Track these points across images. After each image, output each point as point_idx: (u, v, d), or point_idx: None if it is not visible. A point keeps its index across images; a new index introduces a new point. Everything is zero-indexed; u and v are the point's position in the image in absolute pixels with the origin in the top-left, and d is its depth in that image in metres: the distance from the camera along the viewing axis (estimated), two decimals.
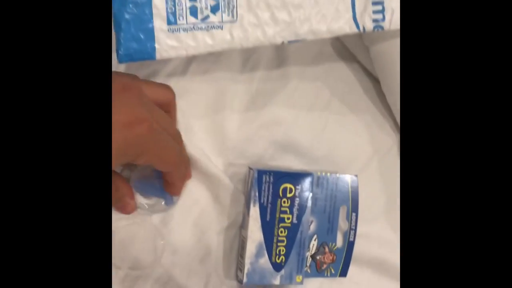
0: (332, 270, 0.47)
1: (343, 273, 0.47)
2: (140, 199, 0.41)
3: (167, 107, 0.39)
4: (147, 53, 0.37)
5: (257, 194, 0.43)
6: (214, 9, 0.38)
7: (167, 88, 0.40)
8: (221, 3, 0.38)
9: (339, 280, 0.47)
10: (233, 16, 0.38)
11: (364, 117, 0.49)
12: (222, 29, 0.38)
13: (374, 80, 0.50)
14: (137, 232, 0.41)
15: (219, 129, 0.44)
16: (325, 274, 0.46)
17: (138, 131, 0.31)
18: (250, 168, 0.44)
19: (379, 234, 0.49)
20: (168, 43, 0.37)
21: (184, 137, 0.41)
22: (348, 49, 0.49)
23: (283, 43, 0.40)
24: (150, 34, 0.37)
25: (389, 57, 0.44)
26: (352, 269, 0.47)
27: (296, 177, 0.44)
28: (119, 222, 0.40)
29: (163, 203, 0.41)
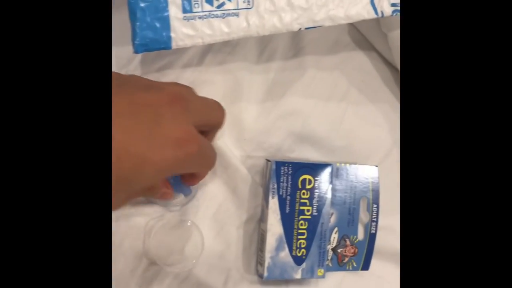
0: (354, 264, 0.46)
1: (366, 266, 0.46)
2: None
3: (214, 128, 0.37)
4: (163, 42, 0.36)
5: (275, 186, 0.42)
6: None
7: (220, 109, 0.36)
8: None
9: (362, 273, 0.46)
10: (249, 2, 0.37)
11: (383, 107, 0.48)
12: (238, 16, 0.37)
13: (392, 69, 0.48)
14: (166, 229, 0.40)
15: (236, 120, 0.43)
16: (347, 268, 0.45)
17: (189, 150, 0.29)
18: (267, 160, 0.43)
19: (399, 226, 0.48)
20: (184, 32, 0.36)
21: None
22: (365, 38, 0.48)
23: (300, 29, 0.39)
24: (165, 22, 0.36)
25: None
26: (374, 262, 0.46)
27: (315, 168, 0.43)
28: (139, 218, 0.40)
29: (182, 196, 0.40)
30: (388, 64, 0.48)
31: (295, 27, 0.39)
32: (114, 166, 0.25)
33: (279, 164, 0.42)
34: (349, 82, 0.47)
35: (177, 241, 0.41)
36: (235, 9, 0.37)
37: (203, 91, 0.42)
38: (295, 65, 0.45)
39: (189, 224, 0.41)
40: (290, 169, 0.42)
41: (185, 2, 0.36)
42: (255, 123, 0.44)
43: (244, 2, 0.37)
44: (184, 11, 0.36)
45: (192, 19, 0.36)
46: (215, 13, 0.37)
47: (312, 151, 0.46)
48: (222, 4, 0.37)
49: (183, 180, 0.38)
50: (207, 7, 0.36)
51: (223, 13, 0.37)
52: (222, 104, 0.38)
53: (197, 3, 0.36)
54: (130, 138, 0.26)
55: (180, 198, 0.40)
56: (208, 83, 0.43)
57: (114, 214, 0.39)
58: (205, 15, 0.36)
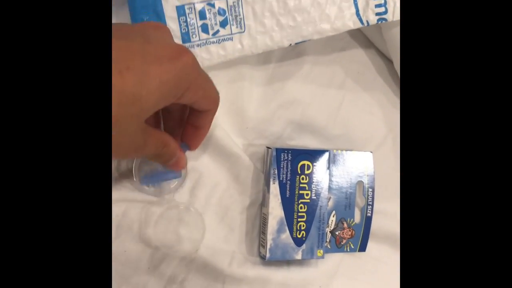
0: (352, 245, 0.48)
1: (362, 248, 0.48)
2: (151, 189, 0.42)
3: (209, 104, 0.36)
4: None
5: (276, 171, 0.44)
6: (223, 23, 0.40)
7: (216, 95, 0.37)
8: (229, 18, 0.40)
9: (359, 255, 0.49)
10: (241, 27, 0.40)
11: (378, 96, 0.50)
12: (232, 40, 0.41)
13: (387, 60, 0.51)
14: (164, 215, 0.42)
15: (239, 110, 0.45)
16: (345, 249, 0.48)
17: (184, 60, 0.30)
18: (268, 148, 0.45)
19: (396, 211, 0.50)
20: (199, 55, 0.40)
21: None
22: (361, 31, 0.50)
23: (290, 45, 0.42)
24: None
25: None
26: (371, 244, 0.48)
27: (313, 154, 0.45)
28: (151, 208, 0.42)
29: (174, 183, 0.43)
30: (383, 56, 0.51)
31: (286, 44, 0.42)
32: (117, 82, 0.26)
33: (279, 151, 0.44)
34: (346, 73, 0.49)
35: (179, 228, 0.43)
36: (229, 35, 0.40)
37: None
38: (294, 57, 0.48)
39: (192, 210, 0.43)
40: (289, 156, 0.44)
41: (184, 34, 0.40)
42: (256, 112, 0.46)
43: (236, 27, 0.40)
44: (184, 41, 0.40)
45: (191, 47, 0.40)
46: (211, 40, 0.40)
47: (311, 139, 0.48)
48: (217, 31, 0.40)
49: (186, 138, 0.39)
50: (204, 35, 0.40)
51: (219, 39, 0.40)
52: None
53: (194, 34, 0.40)
54: (126, 56, 0.27)
55: (173, 184, 0.43)
56: (211, 75, 0.45)
57: (120, 194, 0.41)
58: (203, 42, 0.40)
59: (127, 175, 0.42)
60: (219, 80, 0.45)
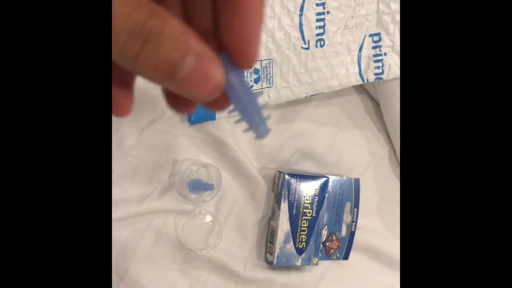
0: (338, 254, 0.58)
1: (346, 257, 0.59)
2: (193, 196, 0.51)
3: None
4: (210, 117, 0.50)
5: (286, 193, 0.53)
6: (256, 80, 0.50)
7: None
8: (261, 76, 0.50)
9: (342, 262, 0.59)
10: (269, 83, 0.50)
11: (365, 132, 0.61)
12: (262, 93, 0.50)
13: (375, 103, 0.61)
14: (195, 223, 0.51)
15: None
16: (332, 258, 0.58)
17: None
18: (280, 172, 0.54)
19: (372, 226, 0.61)
20: None
21: (232, 144, 0.52)
22: None
23: (306, 96, 0.52)
24: None
25: (390, 88, 0.56)
26: (351, 254, 0.59)
27: (316, 179, 0.55)
28: (181, 217, 0.50)
29: (209, 194, 0.51)
30: (372, 99, 0.61)
31: (303, 96, 0.52)
32: None
33: (290, 176, 0.53)
34: (341, 112, 0.59)
35: (202, 231, 0.51)
36: (260, 89, 0.50)
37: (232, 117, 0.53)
38: (301, 100, 0.57)
39: (210, 219, 0.52)
40: (298, 180, 0.54)
41: None
42: (271, 141, 0.55)
43: (266, 83, 0.50)
44: None
45: None
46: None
47: (311, 165, 0.58)
48: (251, 87, 0.50)
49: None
50: None
51: None
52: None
53: None
54: None
55: (204, 194, 0.51)
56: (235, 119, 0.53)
57: (162, 205, 0.49)
58: None
59: (169, 188, 0.49)
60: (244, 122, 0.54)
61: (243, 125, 0.23)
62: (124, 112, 0.22)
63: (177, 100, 0.23)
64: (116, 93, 0.22)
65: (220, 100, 0.21)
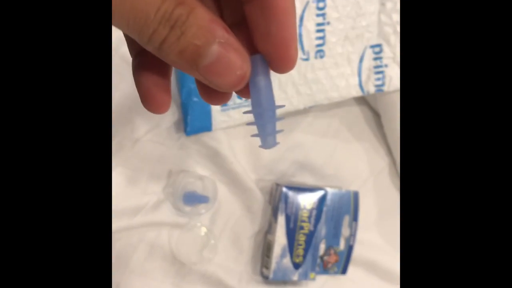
0: (335, 269, 0.57)
1: (344, 271, 0.57)
2: (187, 208, 0.49)
3: None
4: (206, 128, 0.49)
5: (284, 206, 0.52)
6: None
7: None
8: None
9: (339, 277, 0.58)
10: None
11: (364, 144, 0.60)
12: (284, 106, 0.49)
13: (374, 114, 0.60)
14: (189, 236, 0.49)
15: (255, 149, 0.53)
16: (330, 272, 0.57)
17: None
18: (277, 184, 0.53)
19: (371, 240, 0.60)
20: (221, 119, 0.49)
21: (229, 155, 0.50)
22: None
23: (304, 108, 0.50)
24: (208, 114, 0.48)
25: (391, 100, 0.55)
26: (349, 268, 0.58)
27: (314, 192, 0.54)
28: (175, 230, 0.49)
29: (205, 207, 0.50)
30: (372, 110, 0.60)
31: (301, 107, 0.51)
32: None
33: (288, 189, 0.52)
34: (340, 124, 0.58)
35: (196, 245, 0.50)
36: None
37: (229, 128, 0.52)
38: (300, 111, 0.56)
39: (204, 232, 0.51)
40: (295, 193, 0.52)
41: None
42: (269, 152, 0.54)
43: None
44: (222, 105, 0.47)
45: (227, 110, 0.48)
46: (244, 104, 0.49)
47: (309, 177, 0.57)
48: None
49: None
50: (238, 101, 0.49)
51: (250, 103, 0.48)
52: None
53: (231, 99, 0.47)
54: None
55: (200, 207, 0.50)
56: (235, 131, 0.52)
57: (156, 218, 0.48)
58: (237, 106, 0.49)
59: (163, 200, 0.48)
60: (241, 133, 0.53)
61: (253, 129, 0.23)
62: (163, 108, 0.22)
63: (209, 91, 0.23)
64: (153, 90, 0.22)
65: (244, 91, 0.22)
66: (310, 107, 0.52)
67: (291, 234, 0.53)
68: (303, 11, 0.47)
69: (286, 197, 0.52)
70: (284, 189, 0.52)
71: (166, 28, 0.18)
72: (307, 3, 0.46)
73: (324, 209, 0.54)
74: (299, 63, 0.48)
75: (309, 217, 0.53)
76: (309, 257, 0.54)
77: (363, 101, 0.60)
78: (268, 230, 0.54)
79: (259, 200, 0.53)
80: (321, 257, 0.56)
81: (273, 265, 0.52)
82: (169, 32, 0.18)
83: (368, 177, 0.60)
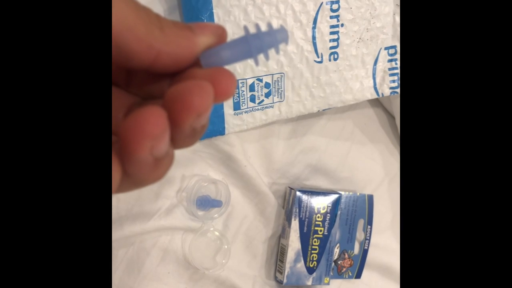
0: (350, 273, 0.56)
1: (358, 275, 0.57)
2: (200, 213, 0.49)
3: None
4: (219, 131, 0.48)
5: (297, 210, 0.51)
6: (267, 94, 0.48)
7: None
8: (273, 90, 0.48)
9: (354, 281, 0.57)
10: (281, 97, 0.48)
11: (379, 146, 0.59)
12: (273, 107, 0.49)
13: (389, 115, 0.59)
14: (202, 241, 0.49)
15: (268, 153, 0.52)
16: (344, 276, 0.56)
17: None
18: (291, 188, 0.53)
19: (386, 244, 0.59)
20: (234, 122, 0.48)
21: (242, 159, 0.50)
22: None
23: (318, 111, 0.50)
24: (221, 118, 0.47)
25: None
26: (364, 272, 0.57)
27: (328, 196, 0.53)
28: (188, 235, 0.48)
29: (217, 211, 0.50)
30: (387, 112, 0.59)
31: (315, 110, 0.50)
32: None
33: (302, 192, 0.51)
34: (354, 126, 0.57)
35: (210, 250, 0.50)
36: (271, 103, 0.48)
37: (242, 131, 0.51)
38: (313, 113, 0.55)
39: (217, 237, 0.50)
40: (309, 197, 0.52)
41: (235, 103, 0.47)
42: (282, 156, 0.53)
43: (277, 97, 0.48)
44: (235, 109, 0.47)
45: (240, 113, 0.48)
46: (256, 107, 0.48)
47: (323, 180, 0.56)
48: (262, 101, 0.48)
49: None
50: (251, 104, 0.48)
51: (263, 107, 0.48)
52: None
53: (244, 102, 0.47)
54: None
55: (213, 211, 0.50)
56: (247, 134, 0.52)
57: (169, 223, 0.48)
58: (250, 109, 0.48)
59: (176, 205, 0.48)
60: (254, 136, 0.52)
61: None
62: (228, 93, 0.21)
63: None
64: (216, 74, 0.21)
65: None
66: (324, 110, 0.51)
67: (305, 239, 0.52)
68: (317, 13, 0.46)
69: (299, 201, 0.51)
70: (298, 193, 0.51)
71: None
72: (321, 5, 0.46)
73: (338, 213, 0.53)
74: (313, 66, 0.48)
75: (323, 221, 0.53)
76: (323, 261, 0.53)
77: (377, 103, 0.59)
78: (282, 235, 0.53)
79: (272, 204, 0.52)
80: (335, 262, 0.55)
81: (287, 269, 0.52)
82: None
83: (382, 180, 0.59)
